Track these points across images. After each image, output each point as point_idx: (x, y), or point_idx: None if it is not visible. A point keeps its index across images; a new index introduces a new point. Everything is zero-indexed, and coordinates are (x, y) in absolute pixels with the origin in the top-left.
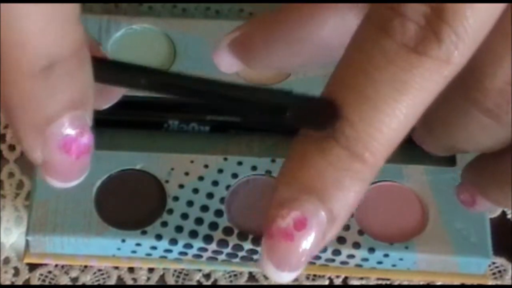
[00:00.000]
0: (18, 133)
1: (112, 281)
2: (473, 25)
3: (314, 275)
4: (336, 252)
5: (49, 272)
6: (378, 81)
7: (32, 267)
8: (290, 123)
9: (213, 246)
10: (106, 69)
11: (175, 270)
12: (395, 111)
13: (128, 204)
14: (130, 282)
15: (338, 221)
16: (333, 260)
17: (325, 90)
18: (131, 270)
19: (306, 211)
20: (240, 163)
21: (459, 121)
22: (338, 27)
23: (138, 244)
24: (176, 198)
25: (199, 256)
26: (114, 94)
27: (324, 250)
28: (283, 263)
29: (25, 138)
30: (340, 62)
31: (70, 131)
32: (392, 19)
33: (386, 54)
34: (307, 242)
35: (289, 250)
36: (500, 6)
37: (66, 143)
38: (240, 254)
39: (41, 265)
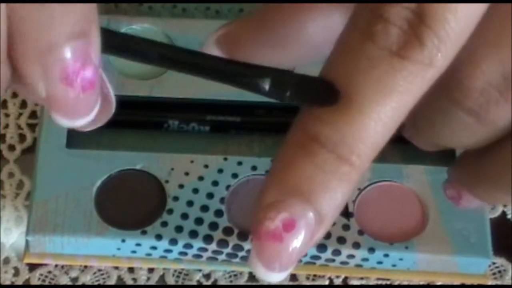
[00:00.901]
0: (18, 64)
1: (112, 281)
2: (454, 28)
3: (314, 275)
4: (336, 252)
5: (49, 272)
6: (362, 85)
7: (32, 267)
8: (291, 99)
9: (213, 246)
10: (112, 39)
11: (175, 270)
12: (379, 114)
13: (128, 204)
14: (130, 282)
15: (326, 222)
16: (333, 260)
17: None
18: (131, 270)
19: (295, 212)
20: (240, 163)
21: (443, 120)
22: (324, 26)
23: (138, 244)
24: (176, 198)
25: (199, 256)
26: (100, 119)
27: (324, 250)
28: (273, 264)
29: (26, 67)
30: (324, 65)
31: (71, 61)
32: (375, 24)
33: (370, 59)
34: (296, 243)
35: (278, 250)
36: (481, 8)
37: (69, 75)
38: (240, 254)
39: (41, 265)
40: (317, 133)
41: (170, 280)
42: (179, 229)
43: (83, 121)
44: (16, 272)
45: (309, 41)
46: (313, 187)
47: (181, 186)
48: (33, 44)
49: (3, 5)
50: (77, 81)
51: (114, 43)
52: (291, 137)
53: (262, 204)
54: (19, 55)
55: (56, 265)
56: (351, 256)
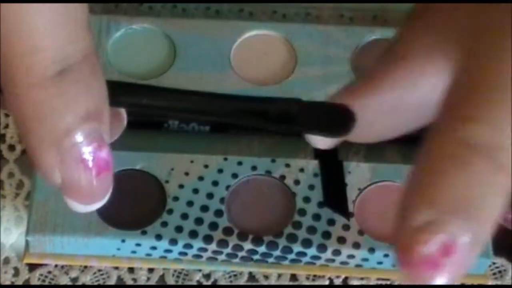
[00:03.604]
0: (34, 151)
1: (112, 281)
2: None
3: (314, 275)
4: (336, 252)
5: (49, 272)
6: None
7: (32, 267)
8: (302, 131)
9: (213, 246)
10: (122, 92)
11: (175, 270)
12: None
13: (128, 204)
14: (130, 282)
15: (481, 243)
16: (333, 260)
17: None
18: (131, 270)
19: (453, 234)
20: (240, 163)
21: None
22: (435, 85)
23: (138, 244)
24: (176, 198)
25: (199, 256)
26: (113, 134)
27: (324, 250)
28: None
29: (42, 154)
30: None
31: (87, 144)
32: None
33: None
34: (456, 270)
35: (435, 279)
36: None
37: (85, 158)
38: (240, 254)
39: (41, 265)
40: (469, 137)
41: (170, 280)
42: (179, 229)
43: (97, 206)
44: (16, 272)
45: (422, 102)
46: (471, 204)
47: (181, 186)
48: (49, 128)
49: (24, 86)
50: (93, 163)
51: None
52: (430, 149)
53: (412, 226)
54: (34, 142)
55: (56, 265)
56: (351, 256)
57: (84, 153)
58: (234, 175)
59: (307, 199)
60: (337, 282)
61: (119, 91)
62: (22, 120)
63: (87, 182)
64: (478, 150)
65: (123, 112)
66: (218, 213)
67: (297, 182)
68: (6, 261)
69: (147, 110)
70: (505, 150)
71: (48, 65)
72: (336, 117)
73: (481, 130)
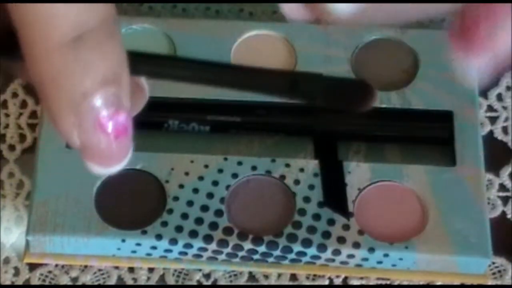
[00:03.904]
0: (53, 114)
1: (112, 281)
2: None
3: (314, 275)
4: (336, 252)
5: (49, 272)
6: None
7: (32, 267)
8: (323, 105)
9: (213, 246)
10: (140, 61)
11: (175, 270)
12: None
13: (128, 204)
14: (130, 282)
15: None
16: (333, 260)
17: None
18: (131, 270)
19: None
20: (240, 163)
21: None
22: None
23: (138, 244)
24: (176, 198)
25: (199, 256)
26: (135, 106)
27: (324, 250)
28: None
29: (59, 119)
30: None
31: (105, 108)
32: None
33: None
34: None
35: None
36: None
37: (102, 122)
38: (240, 254)
39: (41, 265)
40: None
41: (170, 280)
42: (179, 229)
43: (117, 168)
44: (16, 272)
45: None
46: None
47: (181, 186)
48: (66, 92)
49: (42, 52)
50: (110, 127)
51: (141, 67)
52: None
53: None
54: (52, 105)
55: (56, 265)
56: (351, 256)
57: (102, 117)
58: (234, 175)
59: (307, 199)
60: (337, 281)
61: (139, 60)
62: (41, 85)
63: (105, 145)
64: None
65: (144, 84)
66: (218, 213)
67: (297, 182)
68: (6, 261)
69: (166, 78)
70: None
71: (64, 31)
72: (356, 93)
73: None
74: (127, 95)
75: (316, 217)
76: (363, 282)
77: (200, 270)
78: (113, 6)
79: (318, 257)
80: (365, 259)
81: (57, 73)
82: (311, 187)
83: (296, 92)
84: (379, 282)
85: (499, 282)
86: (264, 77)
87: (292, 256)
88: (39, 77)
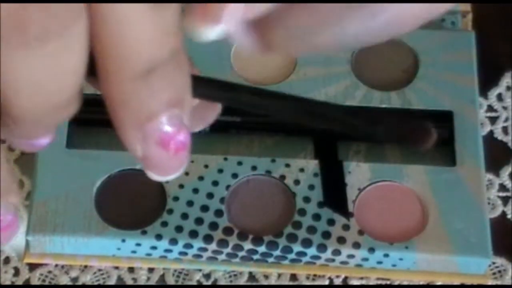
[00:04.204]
0: (119, 130)
1: (112, 281)
2: None
3: (314, 275)
4: (336, 252)
5: (49, 272)
6: None
7: (32, 267)
8: (383, 139)
9: (213, 246)
10: (200, 85)
11: (175, 270)
12: None
13: (128, 204)
14: (130, 282)
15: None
16: (333, 260)
17: None
18: (131, 270)
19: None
20: (240, 163)
21: None
22: None
23: (138, 244)
24: (176, 198)
25: (199, 256)
26: (208, 117)
27: (324, 250)
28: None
29: (125, 134)
30: None
31: (168, 128)
32: None
33: None
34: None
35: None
36: None
37: (164, 140)
38: (240, 254)
39: (41, 265)
40: None
41: (170, 280)
42: (179, 229)
43: (173, 177)
44: (16, 272)
45: None
46: None
47: (181, 186)
48: (134, 113)
49: (114, 82)
50: (171, 145)
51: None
52: None
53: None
54: (120, 122)
55: (56, 265)
56: (351, 256)
57: (164, 136)
58: (234, 175)
59: (307, 199)
60: (337, 281)
61: (200, 85)
62: (112, 105)
63: (165, 160)
64: None
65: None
66: (218, 213)
67: (297, 182)
68: (6, 261)
69: (226, 103)
70: None
71: (137, 64)
72: (415, 133)
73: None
74: (188, 115)
75: (316, 217)
76: (363, 282)
77: (200, 270)
78: (181, 37)
79: (318, 257)
80: (365, 259)
81: (127, 98)
82: (311, 187)
83: (357, 132)
84: (379, 282)
85: (499, 282)
86: (331, 113)
87: (292, 256)
88: (110, 98)
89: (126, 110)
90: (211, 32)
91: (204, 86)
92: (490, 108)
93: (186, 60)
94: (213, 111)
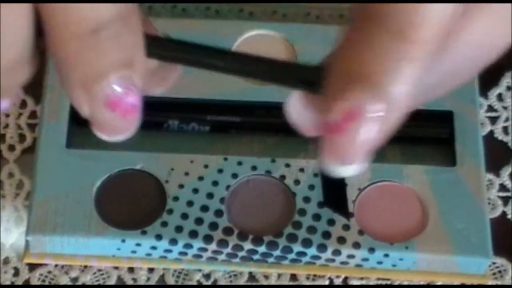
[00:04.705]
0: (66, 89)
1: (112, 281)
2: None
3: (314, 275)
4: (336, 252)
5: (49, 272)
6: None
7: (32, 267)
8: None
9: (213, 246)
10: (157, 46)
11: (175, 270)
12: None
13: (128, 204)
14: (130, 282)
15: (396, 108)
16: (333, 260)
17: None
18: (131, 270)
19: (356, 100)
20: (240, 163)
21: None
22: None
23: (138, 244)
24: (176, 198)
25: (199, 256)
26: (168, 80)
27: (324, 250)
28: (342, 158)
29: (73, 94)
30: None
31: (116, 90)
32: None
33: None
34: (362, 134)
35: (343, 144)
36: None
37: (112, 102)
38: (240, 254)
39: (41, 265)
40: (376, 12)
41: (170, 280)
42: (179, 229)
43: (122, 138)
44: (16, 272)
45: None
46: (377, 70)
47: (181, 186)
48: (81, 73)
49: (59, 36)
50: (120, 106)
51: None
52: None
53: (326, 91)
54: (67, 82)
55: (56, 265)
56: (351, 256)
57: (112, 97)
58: (234, 175)
59: (307, 199)
60: (337, 282)
61: (155, 45)
62: (59, 65)
63: (113, 121)
64: (381, 25)
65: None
66: (218, 213)
67: (297, 182)
68: (6, 261)
69: (179, 62)
70: (404, 22)
71: (82, 24)
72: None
73: (383, 8)
74: (141, 76)
75: (316, 217)
76: (363, 282)
77: (200, 270)
78: (136, 6)
79: (318, 257)
80: (365, 259)
81: (73, 57)
82: (311, 187)
83: (299, 82)
84: (379, 282)
85: (499, 282)
86: (271, 65)
87: (292, 256)
88: (57, 58)
89: (73, 70)
90: (348, 171)
91: (158, 46)
92: (490, 108)
93: (137, 20)
94: (174, 73)
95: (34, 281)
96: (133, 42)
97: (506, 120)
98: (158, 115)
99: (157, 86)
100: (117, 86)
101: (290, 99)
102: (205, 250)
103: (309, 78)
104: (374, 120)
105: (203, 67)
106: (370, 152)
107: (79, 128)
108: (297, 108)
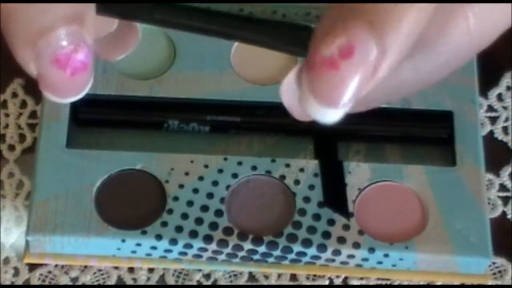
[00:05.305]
0: (10, 45)
1: (112, 281)
2: None
3: (314, 275)
4: (336, 252)
5: (49, 272)
6: None
7: (32, 267)
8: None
9: (213, 246)
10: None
11: (175, 270)
12: None
13: (128, 204)
14: (130, 282)
15: (390, 54)
16: (333, 260)
17: None
18: (131, 270)
19: (354, 37)
20: (240, 163)
21: None
22: None
23: (138, 244)
24: (176, 198)
25: (199, 256)
26: (127, 45)
27: (324, 250)
28: (327, 97)
29: (17, 50)
30: None
31: (63, 46)
32: None
33: None
34: (354, 73)
35: (333, 80)
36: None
37: (60, 59)
38: (240, 254)
39: (41, 265)
40: None
41: (170, 280)
42: (179, 229)
43: (73, 100)
44: (16, 272)
45: None
46: (375, 9)
47: (181, 186)
48: (24, 28)
49: None
50: (68, 64)
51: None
52: None
53: (319, 29)
54: (11, 37)
55: (56, 265)
56: (351, 256)
57: (59, 53)
58: (234, 175)
59: (307, 199)
60: (337, 282)
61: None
62: (3, 21)
63: (61, 80)
64: None
65: (137, 24)
66: (218, 213)
67: (297, 182)
68: (6, 261)
69: (138, 21)
70: None
71: None
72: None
73: None
74: (90, 31)
75: (316, 217)
76: (363, 282)
77: (200, 270)
78: None
79: (318, 257)
80: (365, 259)
81: (16, 12)
82: (311, 187)
83: (281, 42)
84: (379, 282)
85: (499, 282)
86: (260, 24)
87: (292, 256)
88: (1, 12)
89: (17, 25)
90: (329, 115)
91: (112, 2)
92: (490, 108)
93: None
94: (133, 37)
95: (34, 281)
96: None
97: (506, 120)
98: (158, 115)
99: (116, 50)
100: (64, 42)
101: (284, 81)
102: (205, 250)
103: (301, 37)
104: (367, 62)
105: (170, 27)
106: (354, 98)
107: (79, 128)
108: (290, 89)
